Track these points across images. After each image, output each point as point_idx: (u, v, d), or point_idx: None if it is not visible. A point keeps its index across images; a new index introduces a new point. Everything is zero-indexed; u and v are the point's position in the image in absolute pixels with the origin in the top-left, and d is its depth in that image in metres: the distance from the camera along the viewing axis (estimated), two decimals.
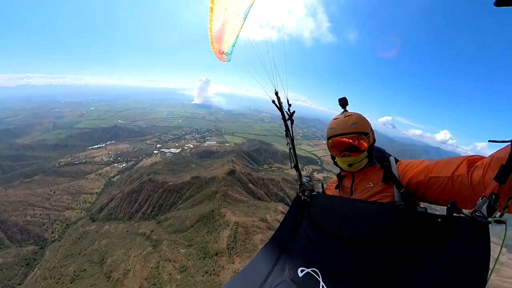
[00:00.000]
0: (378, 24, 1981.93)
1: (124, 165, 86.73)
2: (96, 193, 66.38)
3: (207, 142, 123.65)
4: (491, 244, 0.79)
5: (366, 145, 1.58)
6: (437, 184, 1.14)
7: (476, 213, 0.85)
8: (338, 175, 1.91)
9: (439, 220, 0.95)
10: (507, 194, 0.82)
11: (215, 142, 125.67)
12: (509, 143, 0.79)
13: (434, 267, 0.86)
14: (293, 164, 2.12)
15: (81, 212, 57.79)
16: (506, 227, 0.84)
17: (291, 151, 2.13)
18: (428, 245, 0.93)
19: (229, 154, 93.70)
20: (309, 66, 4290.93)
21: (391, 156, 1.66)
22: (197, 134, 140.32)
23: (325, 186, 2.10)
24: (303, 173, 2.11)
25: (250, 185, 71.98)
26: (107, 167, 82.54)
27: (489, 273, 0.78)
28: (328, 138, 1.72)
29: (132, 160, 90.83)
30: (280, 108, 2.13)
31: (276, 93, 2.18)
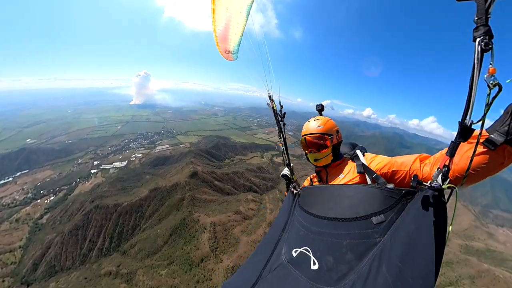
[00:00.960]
0: (320, 23, 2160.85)
1: (52, 198, 66.45)
2: (20, 247, 48.39)
3: (158, 148, 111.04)
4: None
5: (328, 144, 1.87)
6: (398, 175, 1.45)
7: (433, 183, 1.05)
8: (316, 171, 2.17)
9: (403, 192, 1.19)
10: (452, 164, 1.07)
11: (167, 146, 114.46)
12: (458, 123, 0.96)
13: (401, 229, 1.06)
14: (286, 162, 2.42)
15: (2, 280, 40.51)
16: (456, 190, 1.02)
17: (284, 150, 2.45)
18: (396, 212, 1.15)
19: (187, 156, 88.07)
20: (259, 59, 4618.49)
21: (357, 149, 1.90)
22: (144, 140, 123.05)
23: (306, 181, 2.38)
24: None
25: (216, 182, 71.09)
26: (27, 207, 61.13)
27: (447, 228, 0.98)
28: (302, 137, 2.03)
29: (63, 190, 70.68)
30: (275, 112, 2.41)
31: (270, 97, 2.40)
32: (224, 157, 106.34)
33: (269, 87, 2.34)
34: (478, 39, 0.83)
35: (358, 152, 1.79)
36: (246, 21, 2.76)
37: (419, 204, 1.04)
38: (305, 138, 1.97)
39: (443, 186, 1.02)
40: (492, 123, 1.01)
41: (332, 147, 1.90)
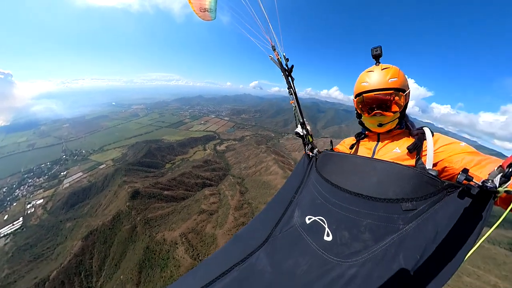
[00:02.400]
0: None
1: None
2: None
3: (67, 181, 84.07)
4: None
5: (402, 103, 1.42)
6: (450, 167, 1.17)
7: (487, 183, 0.84)
8: (358, 134, 1.78)
9: (446, 184, 1.00)
10: None
11: (80, 174, 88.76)
12: None
13: (429, 223, 0.94)
14: (300, 121, 2.03)
15: None
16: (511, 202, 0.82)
17: (296, 109, 2.02)
18: (430, 204, 0.99)
19: (115, 177, 73.05)
20: (181, 43, 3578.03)
21: (424, 126, 1.44)
22: (39, 178, 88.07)
23: (334, 145, 2.05)
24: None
25: (166, 192, 65.13)
26: None
27: (476, 243, 0.82)
28: (359, 94, 1.51)
29: None
30: (281, 65, 1.97)
31: (274, 48, 2.01)
32: (162, 163, 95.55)
33: (270, 35, 1.90)
34: None
35: (427, 130, 1.39)
36: None
37: (461, 202, 0.90)
38: (368, 95, 1.47)
39: (499, 189, 0.82)
40: None
41: (403, 107, 1.46)
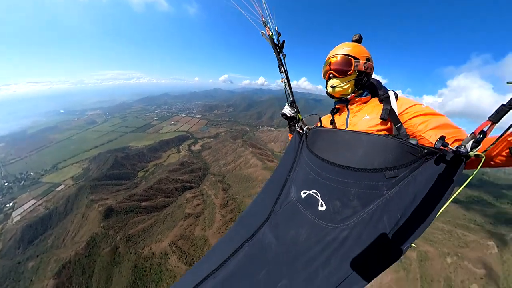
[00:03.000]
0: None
1: None
2: None
3: (16, 213, 70.83)
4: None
5: (351, 68, 1.54)
6: (426, 140, 1.25)
7: (460, 148, 0.94)
8: (332, 110, 1.90)
9: (425, 151, 1.07)
10: (492, 139, 0.95)
11: (34, 201, 75.90)
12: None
13: (410, 188, 1.05)
14: (290, 100, 2.04)
15: None
16: (481, 162, 0.94)
17: (286, 87, 2.00)
18: (410, 170, 1.09)
19: (79, 197, 65.05)
20: (141, 36, 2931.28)
21: (389, 90, 1.53)
22: None
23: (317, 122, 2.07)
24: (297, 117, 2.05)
25: (144, 203, 61.35)
26: None
27: (446, 202, 0.94)
28: (325, 63, 1.70)
29: None
30: (272, 41, 1.91)
31: (265, 24, 1.96)
32: (134, 172, 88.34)
33: (262, 9, 1.91)
34: None
35: (391, 93, 1.49)
36: None
37: (436, 167, 1.01)
38: (329, 62, 1.64)
39: (470, 153, 0.91)
40: None
41: (357, 75, 1.60)
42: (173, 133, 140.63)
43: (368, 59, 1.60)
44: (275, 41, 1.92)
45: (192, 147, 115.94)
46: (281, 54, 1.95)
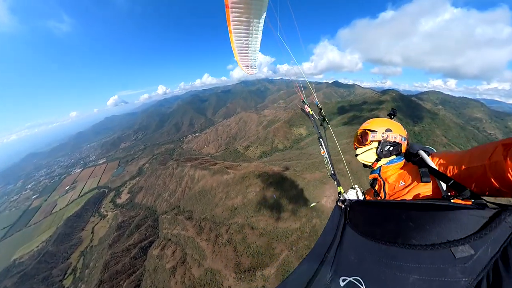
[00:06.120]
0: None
1: None
2: None
3: None
4: None
5: (368, 139, 1.83)
6: (473, 175, 1.05)
7: None
8: (371, 184, 1.90)
9: (498, 208, 0.83)
10: None
11: None
12: None
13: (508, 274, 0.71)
14: (331, 173, 2.09)
15: None
16: None
17: (327, 160, 2.08)
18: (493, 241, 0.77)
19: None
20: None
21: (422, 149, 1.48)
22: None
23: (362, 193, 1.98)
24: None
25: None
26: None
27: None
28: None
29: None
30: (311, 116, 2.14)
31: (304, 102, 2.17)
32: (58, 278, 62.85)
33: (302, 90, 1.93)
34: None
35: (422, 153, 1.38)
36: (261, 38, 3.00)
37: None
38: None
39: None
40: None
41: (379, 144, 1.78)
42: (78, 201, 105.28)
43: (388, 130, 1.81)
44: (319, 115, 2.03)
45: (118, 201, 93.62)
46: (322, 126, 2.04)
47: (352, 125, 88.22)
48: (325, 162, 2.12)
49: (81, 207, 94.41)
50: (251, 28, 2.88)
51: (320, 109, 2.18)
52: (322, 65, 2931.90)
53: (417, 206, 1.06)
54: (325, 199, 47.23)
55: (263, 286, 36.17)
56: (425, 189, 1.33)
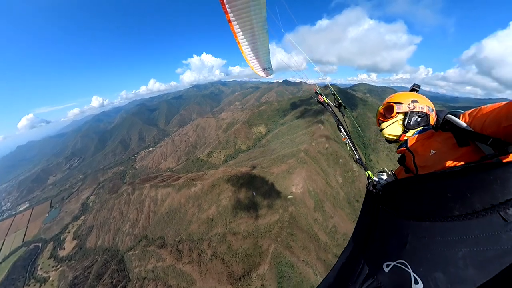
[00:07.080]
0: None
1: None
2: None
3: None
4: None
5: (394, 111, 1.75)
6: None
7: None
8: (399, 160, 1.75)
9: None
10: None
11: None
12: None
13: None
14: (356, 158, 2.02)
15: None
16: None
17: (350, 145, 2.00)
18: None
19: None
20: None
21: (448, 114, 1.37)
22: None
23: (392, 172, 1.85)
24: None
25: None
26: None
27: None
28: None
29: None
30: (325, 104, 2.10)
31: (321, 94, 2.09)
32: None
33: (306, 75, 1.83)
34: None
35: (450, 116, 1.30)
36: (268, 38, 2.97)
37: None
38: (378, 112, 1.84)
39: None
40: None
41: (405, 116, 1.71)
42: (3, 266, 78.13)
43: (414, 100, 1.76)
44: (334, 102, 1.99)
45: (61, 253, 75.01)
46: (340, 113, 1.94)
47: (304, 118, 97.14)
48: (348, 148, 2.07)
49: (4, 277, 71.02)
50: (256, 34, 2.98)
51: (335, 95, 2.18)
52: (273, 66, 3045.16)
53: (452, 174, 1.00)
54: (295, 187, 51.24)
55: (262, 285, 37.13)
56: (459, 153, 1.21)
